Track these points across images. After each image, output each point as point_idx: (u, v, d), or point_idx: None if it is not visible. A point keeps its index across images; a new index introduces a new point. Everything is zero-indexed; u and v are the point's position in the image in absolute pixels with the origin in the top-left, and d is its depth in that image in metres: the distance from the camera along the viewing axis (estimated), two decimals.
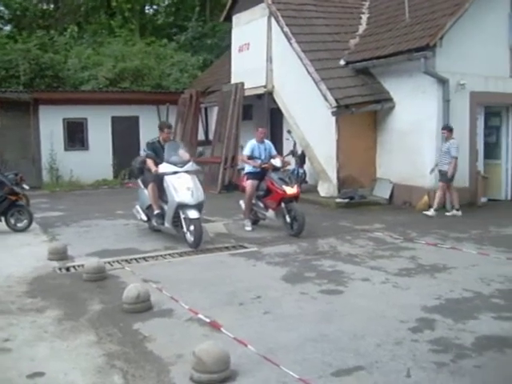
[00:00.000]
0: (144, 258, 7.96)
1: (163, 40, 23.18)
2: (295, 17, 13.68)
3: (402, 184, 11.73)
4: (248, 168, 9.80)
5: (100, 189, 17.52)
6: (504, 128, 12.62)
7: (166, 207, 8.67)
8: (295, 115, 13.59)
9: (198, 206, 8.35)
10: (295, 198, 9.17)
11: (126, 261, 7.80)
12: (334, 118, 12.07)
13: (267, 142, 10.05)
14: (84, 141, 18.12)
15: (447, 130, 10.81)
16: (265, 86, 14.42)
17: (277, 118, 15.52)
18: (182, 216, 8.38)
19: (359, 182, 12.36)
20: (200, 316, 5.36)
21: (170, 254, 8.16)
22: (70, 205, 13.92)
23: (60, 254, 8.00)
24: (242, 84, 15.21)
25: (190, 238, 8.34)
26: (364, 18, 14.32)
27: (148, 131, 18.37)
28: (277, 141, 16.26)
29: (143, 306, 5.67)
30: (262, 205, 9.62)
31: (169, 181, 8.46)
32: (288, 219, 9.09)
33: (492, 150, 12.66)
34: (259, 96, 15.28)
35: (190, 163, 8.75)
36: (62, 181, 17.52)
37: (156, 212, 8.86)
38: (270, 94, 14.50)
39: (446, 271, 6.92)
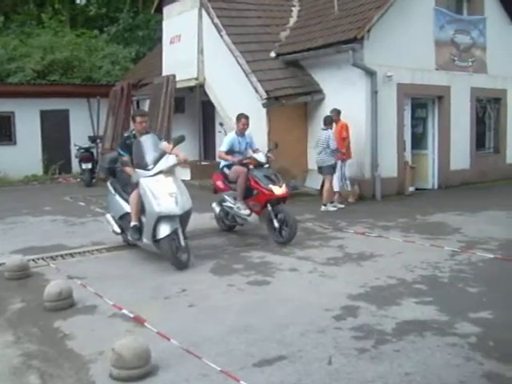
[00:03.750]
0: (71, 254, 7.72)
1: (94, 31, 22.51)
2: (226, 8, 13.60)
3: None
4: (225, 162, 8.61)
5: (30, 185, 16.89)
6: (430, 119, 13.04)
7: (143, 219, 6.97)
8: (227, 108, 13.52)
9: (185, 216, 6.85)
10: (283, 199, 8.03)
11: (52, 257, 7.55)
12: (264, 110, 12.08)
13: (248, 134, 8.80)
14: (11, 135, 17.40)
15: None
16: (196, 79, 14.27)
17: (209, 111, 15.43)
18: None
19: (291, 173, 12.44)
20: (124, 311, 5.25)
21: (97, 250, 7.94)
22: None
23: None
24: (174, 76, 15.00)
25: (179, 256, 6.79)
26: (295, 10, 14.41)
27: (79, 125, 17.96)
28: (209, 134, 16.25)
29: (65, 303, 5.49)
30: (242, 207, 8.21)
31: (145, 186, 6.72)
32: (276, 224, 7.85)
33: (419, 141, 13.06)
34: (191, 88, 15.11)
35: (163, 159, 6.84)
36: None
37: (133, 224, 7.06)
38: (202, 86, 14.36)
39: (372, 259, 7.06)
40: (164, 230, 6.64)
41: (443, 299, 5.43)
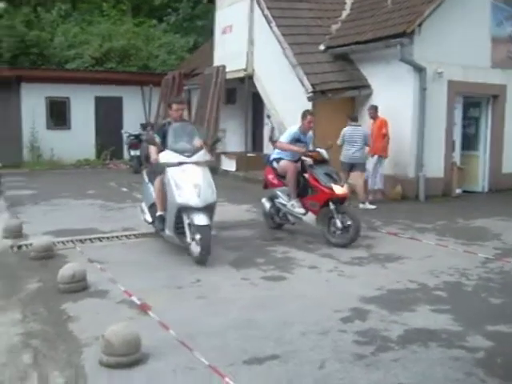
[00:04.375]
0: (99, 239, 7.85)
1: (153, 21, 22.85)
2: (278, 0, 13.43)
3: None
4: (277, 154, 8.10)
5: (81, 168, 17.41)
6: (483, 119, 12.44)
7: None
8: (274, 100, 13.42)
9: (207, 210, 6.51)
10: (343, 199, 7.49)
11: (81, 241, 7.69)
12: (310, 104, 11.86)
13: (310, 133, 8.25)
14: (66, 120, 17.97)
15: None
16: (245, 70, 14.23)
17: (259, 103, 15.33)
18: (187, 221, 6.51)
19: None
20: (133, 298, 5.27)
21: (126, 236, 8.03)
22: (45, 184, 13.82)
23: (14, 232, 7.89)
24: (224, 67, 15.01)
25: (195, 249, 6.45)
26: (348, 3, 14.05)
27: (131, 112, 18.32)
28: (258, 126, 16.18)
29: (78, 286, 5.58)
30: (297, 205, 7.77)
31: (170, 175, 6.59)
32: (339, 224, 7.30)
33: (470, 141, 12.50)
34: (242, 80, 15.08)
35: (202, 152, 6.82)
36: (42, 160, 17.36)
37: (158, 214, 6.96)
38: (251, 77, 14.29)
39: (398, 261, 6.79)
40: (202, 219, 6.37)
41: (461, 308, 5.14)
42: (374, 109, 10.80)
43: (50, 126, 17.72)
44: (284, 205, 7.98)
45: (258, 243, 7.68)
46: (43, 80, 17.18)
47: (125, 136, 16.67)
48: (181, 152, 6.67)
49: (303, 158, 7.87)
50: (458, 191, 11.73)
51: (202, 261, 6.41)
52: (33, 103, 17.15)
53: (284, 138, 7.99)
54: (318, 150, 7.76)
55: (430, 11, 10.80)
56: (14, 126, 17.21)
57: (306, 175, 7.74)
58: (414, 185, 11.22)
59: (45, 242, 6.89)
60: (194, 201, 6.40)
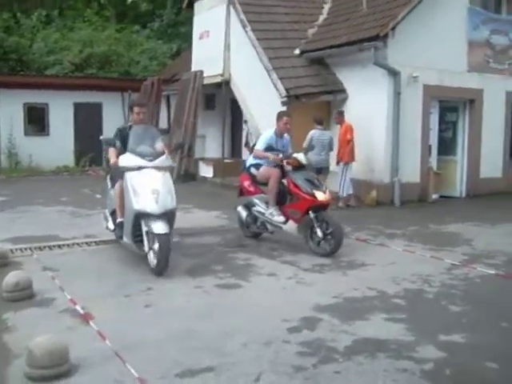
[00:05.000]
0: (59, 246, 7.63)
1: (135, 27, 22.68)
2: (253, 4, 13.31)
3: (352, 178, 11.32)
4: (255, 159, 7.68)
5: (60, 175, 17.13)
6: (461, 124, 12.31)
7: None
8: (249, 105, 13.25)
9: (166, 217, 6.19)
10: (325, 206, 7.15)
11: (40, 248, 7.47)
12: (284, 108, 11.66)
13: (286, 136, 7.84)
14: (45, 126, 17.73)
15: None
16: (222, 75, 14.06)
17: (238, 108, 15.12)
18: (145, 228, 6.22)
19: None
20: (77, 307, 5.06)
21: (86, 243, 7.81)
22: (19, 191, 13.54)
23: None
24: (201, 72, 14.85)
25: (152, 259, 6.16)
26: (326, 7, 13.94)
27: (111, 118, 18.04)
28: (237, 132, 15.99)
29: (22, 295, 5.38)
30: (276, 213, 7.34)
31: (128, 179, 6.29)
32: (319, 233, 6.95)
33: (448, 146, 12.35)
34: (220, 85, 14.90)
35: (164, 157, 6.51)
36: (21, 166, 17.11)
37: (118, 220, 6.68)
38: (228, 83, 14.12)
39: (361, 268, 6.60)
40: (161, 227, 6.03)
41: (418, 317, 4.95)
42: (339, 114, 10.77)
43: (29, 132, 17.47)
44: (262, 213, 7.54)
45: (220, 250, 7.47)
46: (21, 86, 16.96)
47: (104, 142, 16.42)
48: (142, 156, 6.37)
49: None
50: (434, 196, 11.58)
51: (158, 272, 6.09)
52: (10, 109, 16.91)
53: (259, 145, 7.61)
54: (295, 155, 7.38)
55: (404, 14, 10.67)
56: None
57: (285, 181, 7.33)
58: (389, 190, 11.06)
59: None
60: (151, 207, 6.08)
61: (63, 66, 18.50)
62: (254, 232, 7.96)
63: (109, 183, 7.45)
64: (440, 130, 12.20)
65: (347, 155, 10.54)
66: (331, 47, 11.65)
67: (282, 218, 7.30)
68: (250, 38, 12.66)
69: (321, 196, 6.98)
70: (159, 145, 6.67)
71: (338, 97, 11.83)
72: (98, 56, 19.13)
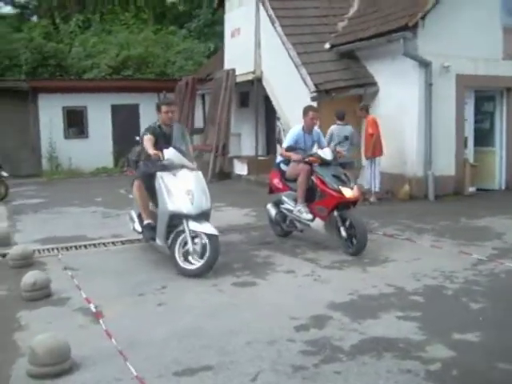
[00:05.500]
0: (85, 246, 7.77)
1: (170, 27, 22.88)
2: (282, 0, 13.18)
3: (384, 172, 11.08)
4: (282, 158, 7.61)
5: (98, 176, 17.47)
6: (498, 113, 11.84)
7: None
8: (281, 101, 13.14)
9: (202, 218, 6.08)
10: (353, 202, 6.93)
11: (66, 248, 7.64)
12: (314, 104, 11.52)
13: (317, 130, 7.69)
14: (84, 129, 18.10)
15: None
16: (253, 72, 14.00)
17: (272, 105, 15.05)
18: (187, 229, 6.00)
19: None
20: (90, 306, 5.12)
21: (113, 242, 7.92)
22: (57, 192, 13.91)
23: (2, 240, 7.87)
24: (234, 70, 14.83)
25: (191, 260, 6.04)
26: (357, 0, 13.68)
27: (148, 119, 18.17)
28: (272, 128, 15.90)
29: (40, 294, 5.49)
30: (304, 210, 7.11)
31: (161, 179, 6.11)
32: (343, 233, 6.75)
33: (485, 137, 11.91)
34: (253, 82, 14.86)
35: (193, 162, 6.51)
36: (61, 169, 17.54)
37: (146, 222, 6.49)
38: (260, 80, 14.05)
39: (383, 264, 6.43)
40: (207, 227, 5.95)
41: (433, 315, 4.78)
42: (362, 108, 10.66)
43: (68, 135, 17.88)
44: (290, 210, 7.35)
45: (242, 248, 7.43)
46: (60, 90, 17.36)
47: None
48: (184, 154, 6.26)
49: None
50: (471, 189, 11.18)
51: (201, 273, 5.96)
52: (50, 113, 17.34)
53: (286, 142, 7.45)
54: (319, 151, 7.15)
55: (434, 3, 10.33)
56: (33, 137, 17.45)
57: (313, 178, 7.08)
58: (422, 184, 10.76)
59: (22, 250, 6.80)
60: (187, 208, 5.95)
61: (100, 70, 18.84)
62: (284, 230, 7.78)
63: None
64: (476, 121, 11.78)
65: (371, 149, 10.34)
66: (360, 40, 11.41)
67: (309, 216, 7.08)
68: (278, 34, 12.55)
69: (348, 193, 6.73)
70: (190, 147, 6.65)
71: (369, 90, 11.58)
72: (134, 58, 19.38)
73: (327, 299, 5.19)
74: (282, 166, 7.63)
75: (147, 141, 6.30)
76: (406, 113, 10.79)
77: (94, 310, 5.03)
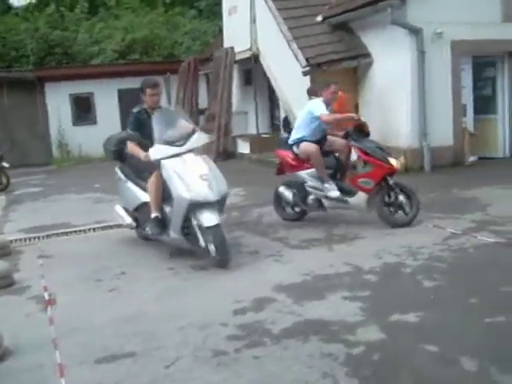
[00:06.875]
0: (66, 233, 7.84)
1: (177, 9, 22.67)
2: None
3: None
4: (296, 135, 7.15)
5: (107, 162, 17.53)
6: (500, 79, 11.36)
7: (167, 209, 5.91)
8: (278, 77, 12.94)
9: (220, 204, 5.73)
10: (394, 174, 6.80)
11: (47, 236, 7.72)
12: (308, 79, 11.30)
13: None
14: (91, 115, 18.22)
15: None
16: (250, 49, 13.79)
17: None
18: (194, 222, 5.64)
19: None
20: (45, 294, 5.16)
21: (93, 229, 7.97)
22: (61, 180, 14.10)
23: None
24: (232, 48, 14.66)
25: (212, 252, 5.59)
26: None
27: None
28: (275, 106, 15.69)
29: (2, 283, 5.56)
30: (331, 188, 6.86)
31: (170, 168, 5.68)
32: (402, 199, 6.62)
33: (487, 105, 11.46)
34: (255, 60, 14.65)
35: (195, 136, 5.93)
36: (72, 156, 17.75)
37: (154, 215, 5.95)
38: (257, 57, 13.84)
39: (351, 242, 6.29)
40: (210, 219, 5.48)
41: (381, 294, 4.64)
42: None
43: (76, 122, 18.04)
44: (319, 189, 6.95)
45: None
46: (66, 78, 17.47)
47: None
48: (171, 143, 5.77)
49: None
50: (471, 159, 10.82)
51: (222, 264, 5.61)
52: (58, 101, 17.51)
53: (322, 110, 6.82)
54: (362, 119, 6.93)
55: None
56: (42, 126, 17.69)
57: (355, 151, 6.90)
58: (418, 155, 10.46)
59: None
60: (206, 194, 5.51)
61: (106, 55, 18.86)
62: (298, 213, 7.36)
63: (121, 175, 6.75)
64: (478, 88, 11.35)
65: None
66: (350, 10, 11.07)
67: (336, 192, 6.84)
68: (270, 9, 12.30)
69: (395, 163, 6.67)
70: (185, 125, 6.08)
71: (362, 62, 11.26)
72: (140, 41, 19.32)
73: (278, 281, 5.09)
74: (295, 149, 7.13)
75: (132, 148, 6.09)
76: (399, 83, 10.47)
77: (47, 297, 5.07)
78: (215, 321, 4.28)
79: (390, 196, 6.71)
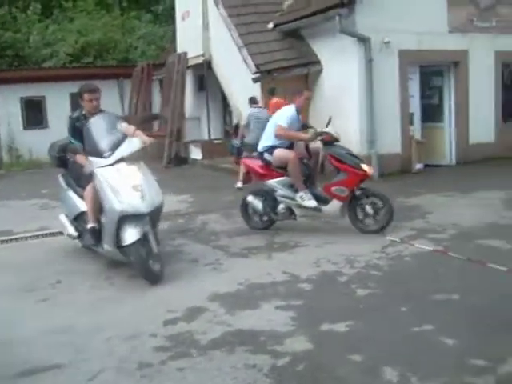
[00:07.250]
0: (6, 241, 7.63)
1: (132, 12, 22.45)
2: None
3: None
4: (266, 142, 6.98)
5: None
6: (446, 88, 11.64)
7: (103, 220, 5.60)
8: (230, 84, 12.93)
9: (153, 215, 5.52)
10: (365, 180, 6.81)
11: None
12: (259, 86, 11.34)
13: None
14: (43, 119, 17.83)
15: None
16: (203, 55, 13.76)
17: None
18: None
19: None
20: None
21: (35, 236, 7.77)
22: (9, 185, 13.73)
23: None
24: (185, 54, 14.61)
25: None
26: None
27: (109, 106, 17.84)
28: (228, 112, 15.69)
29: None
30: (307, 197, 6.73)
31: (102, 178, 5.38)
32: (369, 210, 6.61)
33: (434, 113, 11.72)
34: (208, 66, 14.61)
35: (125, 143, 5.53)
36: (23, 160, 17.32)
37: (89, 226, 5.69)
38: (210, 63, 13.82)
39: (291, 250, 6.30)
40: (130, 235, 5.24)
41: (314, 304, 4.64)
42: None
43: (27, 125, 17.63)
44: (291, 198, 6.82)
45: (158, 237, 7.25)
46: (17, 81, 17.07)
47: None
48: (101, 154, 5.46)
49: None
50: (418, 166, 11.05)
51: (156, 278, 5.38)
52: (8, 104, 17.08)
53: (285, 122, 6.71)
54: (329, 130, 6.75)
55: None
56: None
57: (328, 158, 6.76)
58: (367, 163, 10.53)
59: None
60: (137, 206, 5.27)
61: (59, 58, 18.50)
62: (267, 222, 7.19)
63: (63, 184, 6.59)
64: (426, 97, 11.59)
65: None
66: (301, 18, 11.16)
67: (313, 202, 6.73)
68: (222, 16, 12.29)
69: (368, 168, 6.62)
70: (122, 126, 5.76)
71: (312, 69, 11.37)
72: (93, 44, 19.03)
73: (213, 290, 5.05)
74: (267, 156, 6.96)
75: (79, 158, 5.90)
76: (348, 90, 10.61)
77: None
78: (145, 331, 4.21)
79: (361, 203, 6.68)
